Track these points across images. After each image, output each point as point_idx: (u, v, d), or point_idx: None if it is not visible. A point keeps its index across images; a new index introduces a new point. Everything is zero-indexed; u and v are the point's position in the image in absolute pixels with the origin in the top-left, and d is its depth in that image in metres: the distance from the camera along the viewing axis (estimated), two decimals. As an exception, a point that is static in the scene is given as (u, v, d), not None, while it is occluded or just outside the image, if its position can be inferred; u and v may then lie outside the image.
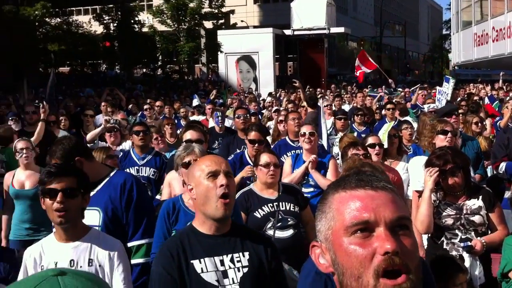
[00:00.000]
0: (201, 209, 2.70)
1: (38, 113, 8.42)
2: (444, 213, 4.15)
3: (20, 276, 3.25)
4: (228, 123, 9.40)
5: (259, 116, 12.04)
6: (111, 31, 42.96)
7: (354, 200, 1.32)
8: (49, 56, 39.04)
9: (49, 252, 3.05)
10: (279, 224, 4.48)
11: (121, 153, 6.69)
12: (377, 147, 5.67)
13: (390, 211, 1.29)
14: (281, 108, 11.99)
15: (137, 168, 6.24)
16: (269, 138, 7.92)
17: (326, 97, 16.01)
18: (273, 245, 2.88)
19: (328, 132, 7.85)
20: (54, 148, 3.82)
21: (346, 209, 1.32)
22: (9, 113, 11.50)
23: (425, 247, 4.46)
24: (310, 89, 21.28)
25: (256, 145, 5.82)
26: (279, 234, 4.46)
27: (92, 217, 3.58)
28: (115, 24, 42.89)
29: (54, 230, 3.37)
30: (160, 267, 2.64)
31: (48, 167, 3.15)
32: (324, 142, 7.32)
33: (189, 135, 5.32)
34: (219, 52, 35.01)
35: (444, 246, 4.13)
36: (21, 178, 5.82)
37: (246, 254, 2.71)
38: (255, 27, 48.30)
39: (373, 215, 1.28)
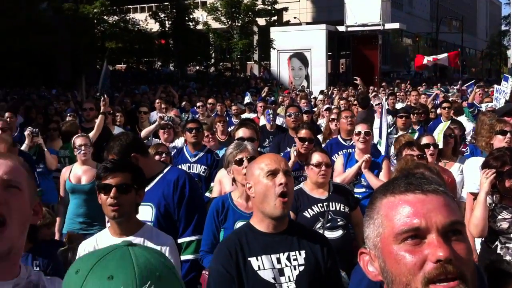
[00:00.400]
0: (259, 207, 2.73)
1: (95, 110, 8.66)
2: (499, 217, 4.01)
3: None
4: (279, 121, 9.40)
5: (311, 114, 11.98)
6: (166, 29, 43.70)
7: (403, 205, 1.27)
8: (106, 53, 40.14)
9: (103, 246, 3.13)
10: (328, 224, 4.45)
11: (175, 150, 6.79)
12: (431, 148, 5.54)
13: (442, 216, 1.24)
14: (333, 106, 11.89)
15: (189, 165, 6.32)
16: (320, 137, 7.87)
17: (379, 95, 15.74)
18: (329, 244, 2.88)
19: (389, 130, 7.70)
20: (111, 144, 3.93)
21: (395, 215, 1.28)
22: (68, 109, 11.93)
23: (478, 251, 4.33)
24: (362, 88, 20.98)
25: (306, 143, 5.79)
26: (328, 234, 4.42)
27: (145, 212, 3.66)
28: (170, 22, 43.60)
29: (108, 224, 3.47)
30: (219, 265, 2.69)
31: (104, 162, 3.25)
32: (383, 141, 7.19)
33: (241, 132, 5.34)
34: (271, 49, 35.03)
35: (498, 251, 3.99)
36: (78, 173, 5.98)
37: (303, 252, 2.73)
38: (308, 23, 48.03)
39: (424, 221, 1.23)
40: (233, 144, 4.20)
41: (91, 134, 7.15)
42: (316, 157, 4.63)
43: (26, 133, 6.81)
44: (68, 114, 10.05)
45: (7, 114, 8.75)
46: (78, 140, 6.05)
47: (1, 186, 1.63)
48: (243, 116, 11.49)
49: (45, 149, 7.05)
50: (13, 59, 27.53)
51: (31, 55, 28.73)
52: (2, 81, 26.40)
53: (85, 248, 3.20)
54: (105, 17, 39.84)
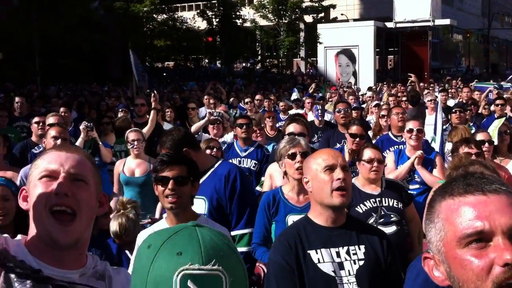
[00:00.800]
0: (317, 200, 2.75)
1: (146, 106, 8.83)
2: None
3: (133, 259, 3.45)
4: (327, 117, 9.36)
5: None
6: (214, 27, 44.08)
7: (464, 208, 1.23)
8: (156, 51, 40.85)
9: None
10: (381, 220, 4.41)
11: (225, 145, 6.86)
12: (486, 144, 5.40)
13: (507, 217, 1.19)
14: (382, 103, 11.75)
15: (239, 159, 6.39)
16: (369, 133, 7.79)
17: (432, 92, 15.43)
18: (388, 239, 2.86)
19: (444, 127, 7.55)
20: (164, 139, 4.02)
21: (456, 219, 1.23)
22: (119, 105, 12.20)
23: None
24: (412, 84, 20.64)
25: (357, 139, 5.75)
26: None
27: (199, 205, 3.72)
28: (218, 20, 43.95)
29: (164, 215, 3.54)
30: (279, 256, 2.70)
31: (161, 156, 3.33)
32: (437, 138, 7.06)
33: (292, 128, 5.34)
34: (318, 46, 34.85)
35: None
36: (132, 166, 6.12)
37: (362, 247, 2.73)
38: (355, 20, 47.52)
39: (487, 224, 1.18)
40: (286, 138, 4.22)
41: (145, 130, 7.30)
42: (368, 153, 4.60)
43: (81, 127, 7.01)
44: (120, 110, 10.27)
45: (62, 109, 8.98)
46: (131, 135, 6.19)
47: (68, 179, 1.69)
48: (291, 112, 11.50)
49: (100, 143, 7.24)
50: (66, 57, 28.39)
51: (83, 53, 29.54)
52: (55, 78, 27.26)
53: (143, 238, 3.27)
54: (154, 15, 40.54)
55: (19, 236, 1.76)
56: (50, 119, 6.79)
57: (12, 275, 1.59)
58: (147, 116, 8.49)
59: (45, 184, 1.69)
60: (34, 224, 1.70)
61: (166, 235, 1.15)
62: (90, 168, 1.77)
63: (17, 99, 9.89)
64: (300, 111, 11.17)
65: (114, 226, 4.18)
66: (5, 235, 1.73)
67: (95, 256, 1.85)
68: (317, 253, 2.68)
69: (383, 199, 4.47)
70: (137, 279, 1.15)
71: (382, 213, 4.42)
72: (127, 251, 4.17)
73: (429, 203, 1.35)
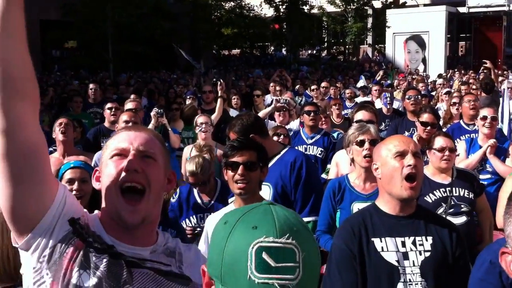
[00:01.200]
0: (386, 188, 2.70)
1: (213, 93, 8.97)
2: None
3: (202, 243, 3.55)
4: (395, 105, 9.19)
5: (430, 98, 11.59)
6: (281, 13, 43.88)
7: None
8: (223, 38, 41.18)
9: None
10: (451, 210, 4.29)
11: (291, 132, 6.88)
12: None
13: None
14: (452, 90, 11.39)
15: (305, 146, 6.39)
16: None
17: (509, 79, 14.79)
18: (458, 231, 2.77)
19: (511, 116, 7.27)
20: (233, 122, 4.09)
21: None
22: (187, 92, 12.42)
23: None
24: (485, 71, 19.85)
25: (429, 128, 5.61)
26: (451, 220, 4.28)
27: (263, 191, 3.75)
28: (285, 7, 43.70)
29: (231, 199, 3.62)
30: (341, 242, 2.69)
31: (231, 141, 3.40)
32: (505, 126, 6.81)
33: (361, 115, 5.28)
34: (386, 32, 34.08)
35: None
36: (199, 151, 6.24)
37: (429, 238, 2.66)
38: (425, 5, 46.01)
39: None
40: (356, 124, 4.18)
41: (213, 116, 7.43)
42: (439, 141, 4.48)
43: (152, 113, 7.20)
44: (188, 97, 10.47)
45: (132, 96, 9.24)
46: (200, 119, 6.33)
47: (138, 156, 1.75)
48: (357, 99, 11.37)
49: (169, 129, 7.43)
50: (137, 45, 29.14)
51: (154, 41, 30.23)
52: (126, 66, 28.08)
53: (212, 222, 3.36)
54: (222, 3, 40.84)
55: (96, 212, 1.84)
56: (129, 105, 7.00)
57: (91, 249, 1.67)
58: (214, 103, 8.62)
59: (115, 162, 1.75)
60: (105, 202, 1.77)
61: (241, 212, 1.21)
62: (158, 146, 1.83)
63: (91, 85, 10.27)
64: (367, 99, 11.02)
65: (190, 165, 4.40)
66: (85, 210, 1.81)
67: (166, 233, 1.90)
68: (381, 241, 2.64)
69: (454, 188, 4.35)
70: (213, 252, 1.21)
71: (452, 203, 4.31)
72: None
73: (509, 197, 1.32)
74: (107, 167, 1.76)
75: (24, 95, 1.58)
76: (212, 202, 4.54)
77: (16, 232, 1.68)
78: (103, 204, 1.78)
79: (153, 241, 1.81)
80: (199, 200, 4.54)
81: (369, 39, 41.24)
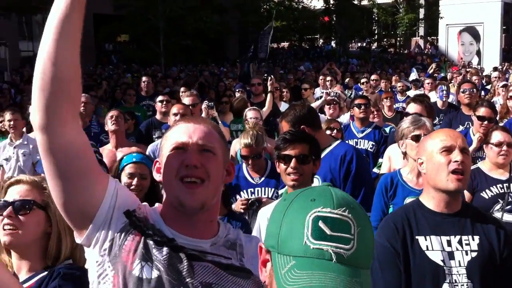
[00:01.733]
0: (431, 183, 2.60)
1: (262, 86, 8.97)
2: None
3: (254, 233, 3.57)
4: (449, 98, 8.96)
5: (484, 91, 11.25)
6: (330, 5, 43.49)
7: None
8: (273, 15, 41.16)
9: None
10: (508, 206, 4.17)
11: (341, 126, 6.82)
12: None
13: None
14: (509, 83, 11.01)
15: (356, 140, 6.32)
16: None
17: None
18: (506, 230, 2.64)
19: None
20: (287, 111, 4.09)
21: None
22: (236, 85, 12.49)
23: None
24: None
25: (486, 122, 5.44)
26: (508, 217, 4.15)
27: (312, 185, 3.75)
28: (335, -2, 43.29)
29: (281, 190, 3.61)
30: (384, 239, 2.59)
31: (283, 134, 3.40)
32: None
33: (413, 108, 5.19)
34: (439, 24, 33.26)
35: None
36: (248, 144, 6.26)
37: (476, 238, 2.54)
38: (481, -5, 44.65)
39: None
40: (410, 118, 4.09)
41: (263, 110, 7.44)
42: (497, 136, 4.34)
43: (203, 106, 7.27)
44: (237, 90, 10.52)
45: (182, 89, 9.35)
46: (250, 113, 6.33)
47: (197, 151, 1.76)
48: (409, 93, 11.15)
49: (219, 122, 7.48)
50: (188, 38, 29.47)
51: (204, 34, 30.49)
52: (177, 59, 28.45)
53: (264, 214, 3.38)
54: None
55: (156, 205, 1.87)
56: (185, 100, 7.09)
57: (151, 242, 1.70)
58: (263, 95, 8.62)
59: (176, 156, 1.77)
60: (166, 192, 1.80)
61: (300, 190, 1.27)
62: (217, 138, 1.83)
63: (144, 78, 10.45)
64: (419, 92, 10.78)
65: (245, 138, 4.44)
66: (145, 203, 1.84)
67: (227, 224, 1.90)
68: (426, 240, 2.53)
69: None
70: (272, 225, 1.26)
71: (510, 199, 4.18)
72: None
73: None
74: (167, 160, 1.79)
75: (68, 95, 1.63)
76: (263, 178, 4.53)
77: (75, 228, 1.74)
78: (164, 196, 1.81)
79: (213, 233, 1.82)
80: (249, 178, 4.55)
81: (421, 31, 40.39)
